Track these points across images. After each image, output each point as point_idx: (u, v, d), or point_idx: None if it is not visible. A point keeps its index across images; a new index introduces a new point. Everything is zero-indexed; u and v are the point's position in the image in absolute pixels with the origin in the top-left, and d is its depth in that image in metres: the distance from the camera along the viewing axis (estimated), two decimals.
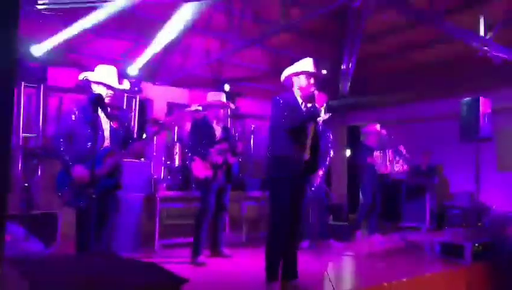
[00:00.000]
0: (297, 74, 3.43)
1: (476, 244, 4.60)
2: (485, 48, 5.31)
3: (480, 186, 6.41)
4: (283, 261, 3.37)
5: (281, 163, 3.31)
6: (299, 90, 3.42)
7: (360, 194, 6.40)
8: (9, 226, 3.61)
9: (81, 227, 3.27)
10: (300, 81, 3.40)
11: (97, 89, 3.24)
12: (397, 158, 6.35)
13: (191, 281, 3.64)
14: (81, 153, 3.18)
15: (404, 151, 6.36)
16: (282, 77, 3.51)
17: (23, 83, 5.48)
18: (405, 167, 6.39)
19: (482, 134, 5.89)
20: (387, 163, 6.26)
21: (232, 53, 6.94)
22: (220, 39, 7.48)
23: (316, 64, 3.44)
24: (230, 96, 7.90)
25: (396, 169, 6.32)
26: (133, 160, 5.04)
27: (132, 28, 6.98)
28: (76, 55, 6.54)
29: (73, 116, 3.15)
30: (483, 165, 6.48)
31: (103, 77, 3.26)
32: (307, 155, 3.32)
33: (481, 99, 5.78)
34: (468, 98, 5.95)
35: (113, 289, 1.33)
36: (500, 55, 5.46)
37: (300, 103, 3.38)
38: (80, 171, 3.15)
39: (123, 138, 3.44)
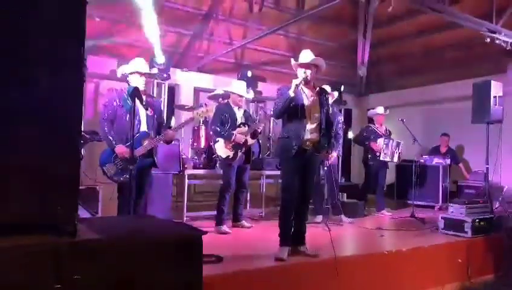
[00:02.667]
0: (296, 68, 3.90)
1: (477, 220, 4.96)
2: (494, 34, 5.51)
3: (494, 166, 6.66)
4: (294, 229, 3.89)
5: (283, 144, 3.80)
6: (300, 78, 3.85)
7: (366, 175, 6.81)
8: None
9: (123, 198, 3.92)
10: (299, 74, 3.85)
11: (132, 79, 3.86)
12: (398, 150, 6.64)
13: (215, 245, 4.25)
14: (122, 135, 3.84)
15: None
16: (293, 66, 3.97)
17: None
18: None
19: (493, 116, 6.13)
20: (389, 152, 6.56)
21: (254, 41, 7.35)
22: (241, 26, 7.91)
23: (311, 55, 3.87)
24: (252, 80, 8.36)
25: (395, 160, 6.64)
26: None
27: (161, 17, 7.50)
28: (110, 43, 7.15)
29: (115, 103, 3.78)
30: (503, 147, 6.71)
31: (136, 67, 3.89)
32: (310, 135, 3.77)
33: (492, 82, 6.00)
34: (479, 81, 6.19)
35: (148, 239, 1.84)
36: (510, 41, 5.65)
37: (300, 91, 3.80)
38: (122, 149, 3.81)
39: (157, 124, 4.05)
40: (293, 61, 3.91)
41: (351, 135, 10.16)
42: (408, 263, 4.23)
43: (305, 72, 3.79)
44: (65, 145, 1.80)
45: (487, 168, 6.67)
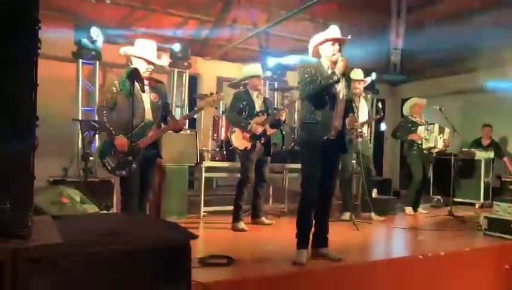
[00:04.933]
0: (321, 43, 3.42)
1: None
2: None
3: None
4: (314, 229, 3.46)
5: (309, 130, 3.36)
6: (326, 59, 3.42)
7: (412, 170, 6.22)
8: (67, 190, 4.00)
9: (125, 194, 3.56)
10: (327, 49, 3.39)
11: (137, 63, 3.44)
12: (443, 135, 6.06)
13: (229, 244, 3.91)
14: (124, 124, 3.40)
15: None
16: (310, 48, 3.51)
17: (80, 60, 5.89)
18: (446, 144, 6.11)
19: None
20: (432, 138, 5.99)
21: (277, 24, 6.90)
22: (265, 11, 7.49)
23: (339, 31, 3.40)
24: (278, 69, 7.95)
25: (439, 147, 6.04)
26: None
27: (181, 4, 7.21)
28: (129, 32, 6.90)
29: (114, 88, 3.39)
30: None
31: (143, 52, 3.46)
32: (336, 122, 3.35)
33: None
34: None
35: (122, 244, 1.50)
36: None
37: (327, 71, 3.37)
38: (122, 141, 3.40)
39: (163, 111, 3.67)
40: (321, 36, 3.42)
41: (383, 126, 9.58)
42: (446, 269, 3.72)
43: (340, 50, 3.35)
44: (14, 132, 1.46)
45: None
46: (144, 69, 3.44)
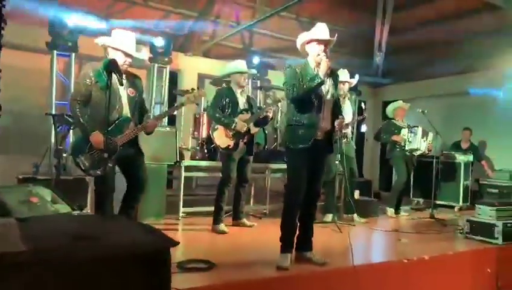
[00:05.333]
0: (308, 42, 3.32)
1: (509, 224, 4.37)
2: None
3: None
4: (299, 232, 3.35)
5: (294, 132, 3.25)
6: (312, 58, 3.31)
7: (394, 172, 6.19)
8: (37, 189, 3.76)
9: (99, 194, 3.31)
10: (312, 49, 3.29)
11: (114, 55, 3.21)
12: (426, 138, 6.06)
13: (209, 247, 3.76)
14: (99, 119, 3.13)
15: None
16: (298, 46, 3.40)
17: (55, 51, 5.61)
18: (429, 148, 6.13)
19: None
20: (416, 140, 5.98)
21: (262, 21, 6.77)
22: (250, 8, 7.36)
23: (327, 30, 3.30)
24: (261, 68, 7.82)
25: (422, 149, 6.04)
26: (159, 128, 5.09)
27: None
28: (109, 24, 6.63)
29: (88, 80, 3.16)
30: None
31: (121, 43, 3.26)
32: (323, 124, 3.24)
33: None
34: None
35: (98, 244, 1.34)
36: None
37: (314, 71, 3.26)
38: (98, 138, 3.14)
39: (140, 107, 3.46)
40: (306, 35, 3.33)
41: (364, 128, 9.57)
42: (431, 273, 3.68)
43: (325, 51, 3.25)
44: None
45: None
46: (121, 61, 3.21)
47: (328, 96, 3.32)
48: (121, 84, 2.86)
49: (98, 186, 3.32)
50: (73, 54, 5.74)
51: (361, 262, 3.56)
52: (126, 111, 3.33)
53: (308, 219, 3.37)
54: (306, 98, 3.21)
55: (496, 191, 6.95)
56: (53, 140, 5.10)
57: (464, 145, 7.55)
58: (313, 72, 3.24)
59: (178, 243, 1.60)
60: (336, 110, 3.38)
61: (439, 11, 7.21)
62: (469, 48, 6.95)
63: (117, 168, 3.40)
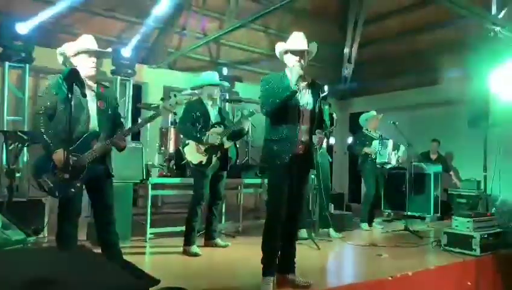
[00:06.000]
0: (285, 53, 3.19)
1: (485, 235, 4.35)
2: (497, 28, 4.97)
3: (488, 174, 6.16)
4: (281, 253, 3.13)
5: (272, 148, 3.07)
6: (289, 69, 3.16)
7: (363, 184, 6.12)
8: None
9: (62, 218, 2.97)
10: (288, 59, 3.16)
11: (78, 62, 2.93)
12: (397, 152, 6.05)
13: (182, 272, 3.46)
14: (63, 135, 2.83)
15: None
16: (278, 56, 3.26)
17: (7, 63, 5.18)
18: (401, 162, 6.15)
19: (491, 121, 5.65)
20: (386, 153, 5.95)
21: (229, 33, 6.60)
22: (217, 20, 7.18)
23: (304, 39, 3.17)
24: (228, 80, 7.62)
25: (393, 163, 6.02)
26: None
27: (126, 7, 6.70)
28: (67, 35, 6.24)
29: (54, 91, 2.81)
30: (492, 153, 6.21)
31: (80, 45, 2.98)
32: (302, 137, 3.09)
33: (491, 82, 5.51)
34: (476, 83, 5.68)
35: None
36: None
37: (290, 82, 3.10)
38: (59, 156, 2.81)
39: (112, 121, 3.15)
40: (282, 46, 3.19)
41: (332, 141, 9.54)
42: (415, 289, 3.55)
43: (299, 61, 3.11)
44: None
45: (485, 176, 6.17)
46: (88, 65, 2.94)
47: (308, 108, 3.15)
48: (84, 96, 2.55)
49: (62, 208, 2.96)
50: (27, 66, 5.31)
51: (345, 281, 3.39)
52: (94, 125, 3.00)
53: (290, 238, 3.17)
54: (281, 111, 3.04)
55: (465, 201, 7.03)
56: (4, 159, 4.65)
57: (433, 156, 7.63)
58: (289, 83, 3.07)
59: (158, 281, 1.34)
60: (316, 124, 3.19)
61: (406, 24, 7.31)
62: (435, 60, 7.07)
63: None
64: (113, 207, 3.15)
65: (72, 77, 2.43)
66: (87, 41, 3.01)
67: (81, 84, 2.49)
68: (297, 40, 3.19)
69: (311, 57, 3.29)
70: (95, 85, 3.07)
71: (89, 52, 2.98)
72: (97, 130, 3.02)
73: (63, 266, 1.53)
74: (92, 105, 3.01)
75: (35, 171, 2.95)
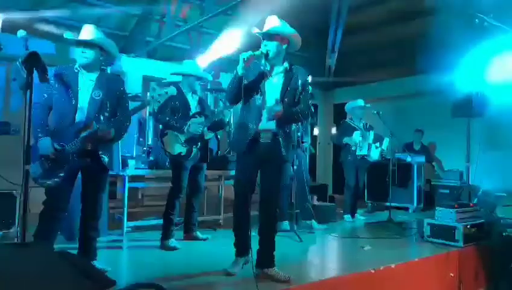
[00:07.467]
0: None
1: (468, 226, 4.32)
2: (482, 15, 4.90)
3: (470, 165, 6.17)
4: (259, 246, 3.05)
5: (235, 135, 3.08)
6: None
7: (344, 175, 6.05)
8: None
9: (45, 209, 2.95)
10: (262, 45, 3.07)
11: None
12: (379, 145, 5.97)
13: (158, 267, 3.33)
14: (54, 124, 2.96)
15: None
16: None
17: None
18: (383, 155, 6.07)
19: (474, 111, 5.63)
20: (365, 145, 5.87)
21: (208, 20, 6.41)
22: (198, 7, 6.98)
23: (273, 22, 3.04)
24: (212, 69, 7.44)
25: (373, 155, 5.94)
26: None
27: None
28: (40, 23, 5.98)
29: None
30: (474, 144, 6.21)
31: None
32: (264, 125, 3.00)
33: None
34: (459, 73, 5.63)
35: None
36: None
37: (259, 68, 3.02)
38: (44, 145, 2.86)
39: (111, 111, 3.08)
40: (254, 29, 3.08)
41: (316, 131, 9.48)
42: (398, 281, 3.50)
43: (265, 45, 2.99)
44: None
45: (468, 167, 6.18)
46: (77, 53, 3.04)
47: (275, 95, 3.02)
48: (42, 81, 2.40)
49: (47, 198, 2.96)
50: None
51: (327, 275, 3.31)
52: (82, 115, 2.97)
53: (264, 231, 3.07)
54: (238, 95, 2.97)
55: (447, 191, 7.03)
56: None
57: (416, 147, 7.61)
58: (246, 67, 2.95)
59: (114, 282, 1.20)
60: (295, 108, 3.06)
61: (390, 13, 7.22)
62: (419, 49, 7.01)
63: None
64: (98, 202, 3.13)
65: (31, 60, 2.24)
66: (82, 31, 3.08)
67: (42, 70, 2.32)
68: (270, 20, 3.05)
69: (296, 45, 3.15)
70: (93, 74, 3.06)
71: (77, 42, 3.03)
72: (84, 120, 2.97)
73: (15, 263, 1.39)
74: (85, 94, 2.99)
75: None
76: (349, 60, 8.31)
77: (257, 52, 2.95)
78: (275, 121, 2.98)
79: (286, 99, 3.01)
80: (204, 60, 7.24)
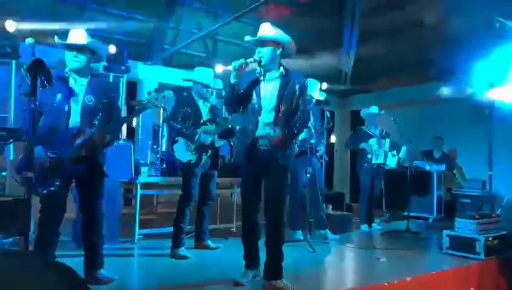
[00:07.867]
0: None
1: (490, 238, 4.13)
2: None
3: (493, 173, 5.94)
4: (266, 259, 2.99)
5: (239, 142, 3.09)
6: None
7: (360, 183, 5.91)
8: None
9: (42, 218, 2.90)
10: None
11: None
12: (396, 153, 5.81)
13: (169, 276, 3.29)
14: (43, 132, 2.84)
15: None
16: None
17: None
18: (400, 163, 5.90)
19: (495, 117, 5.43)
20: (382, 153, 5.72)
21: (223, 27, 6.39)
22: (213, 14, 6.98)
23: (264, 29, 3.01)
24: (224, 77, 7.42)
25: (389, 163, 5.78)
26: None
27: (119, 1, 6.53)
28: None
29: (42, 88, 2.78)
30: (496, 151, 6.00)
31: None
32: (261, 132, 2.97)
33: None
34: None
35: None
36: None
37: (253, 76, 3.02)
38: (37, 155, 2.72)
39: (104, 115, 3.02)
40: (247, 38, 3.05)
41: (333, 139, 9.32)
42: None
43: (258, 52, 2.97)
44: None
45: (490, 175, 5.95)
46: (69, 58, 2.97)
47: (271, 100, 2.98)
48: (43, 87, 2.39)
49: (43, 207, 2.91)
50: (14, 61, 5.15)
51: (339, 288, 3.20)
52: (75, 121, 2.94)
53: (270, 241, 2.98)
54: (233, 103, 2.99)
55: (469, 201, 6.78)
56: None
57: (436, 155, 7.39)
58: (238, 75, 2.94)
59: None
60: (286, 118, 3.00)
61: (407, 18, 7.06)
62: (438, 55, 6.82)
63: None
64: (97, 207, 3.07)
65: (36, 67, 2.24)
66: (70, 35, 3.01)
67: (46, 76, 2.30)
68: (264, 28, 3.02)
69: (291, 51, 3.10)
70: (85, 79, 3.03)
71: (68, 46, 2.97)
72: (79, 126, 2.93)
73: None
74: (77, 100, 2.96)
75: (18, 168, 2.85)
76: (366, 66, 8.16)
77: (250, 60, 2.91)
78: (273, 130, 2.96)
79: (282, 106, 2.97)
80: (220, 68, 7.24)
